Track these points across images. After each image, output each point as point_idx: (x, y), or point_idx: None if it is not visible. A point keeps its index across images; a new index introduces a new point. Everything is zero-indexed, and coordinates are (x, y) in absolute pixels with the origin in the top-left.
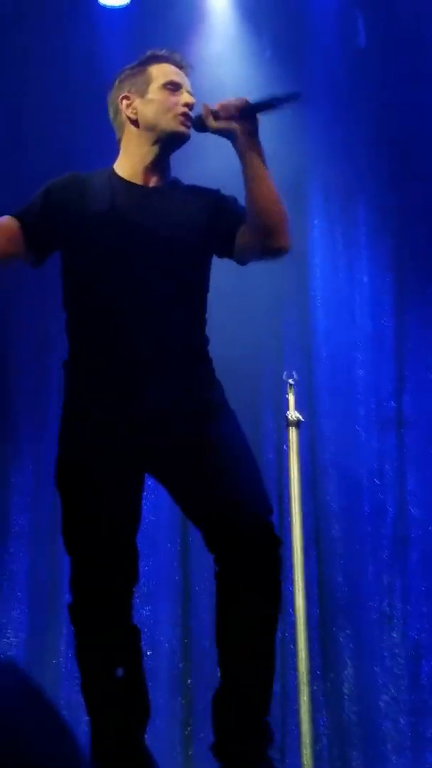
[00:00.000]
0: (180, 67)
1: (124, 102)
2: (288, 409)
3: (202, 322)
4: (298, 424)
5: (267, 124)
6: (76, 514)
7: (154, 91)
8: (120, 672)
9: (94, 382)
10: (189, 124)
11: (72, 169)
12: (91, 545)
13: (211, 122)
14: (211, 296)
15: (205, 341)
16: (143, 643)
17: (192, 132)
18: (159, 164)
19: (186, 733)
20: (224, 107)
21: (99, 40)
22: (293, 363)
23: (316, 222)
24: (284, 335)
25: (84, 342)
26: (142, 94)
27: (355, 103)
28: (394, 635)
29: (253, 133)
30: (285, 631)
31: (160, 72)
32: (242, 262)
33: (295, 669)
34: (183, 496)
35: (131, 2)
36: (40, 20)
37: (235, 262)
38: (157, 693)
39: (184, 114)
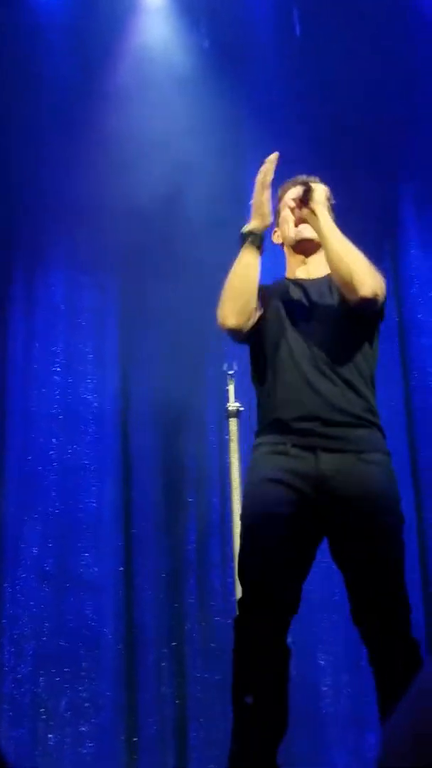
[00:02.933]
0: (295, 185)
1: (274, 235)
2: (228, 400)
3: (370, 389)
4: (238, 413)
5: (207, 112)
6: (258, 544)
7: (283, 217)
8: (267, 686)
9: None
10: (304, 228)
11: None
12: (265, 578)
13: (298, 212)
14: (157, 288)
15: (374, 408)
16: None
17: None
18: (303, 264)
19: (130, 722)
20: (294, 200)
21: (34, 34)
22: (234, 354)
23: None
24: None
25: (270, 369)
26: (279, 224)
27: (292, 88)
28: (337, 621)
29: (316, 207)
30: (226, 619)
31: (287, 199)
32: (366, 314)
33: None
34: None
35: None
36: None
37: None
38: (102, 684)
39: (297, 220)
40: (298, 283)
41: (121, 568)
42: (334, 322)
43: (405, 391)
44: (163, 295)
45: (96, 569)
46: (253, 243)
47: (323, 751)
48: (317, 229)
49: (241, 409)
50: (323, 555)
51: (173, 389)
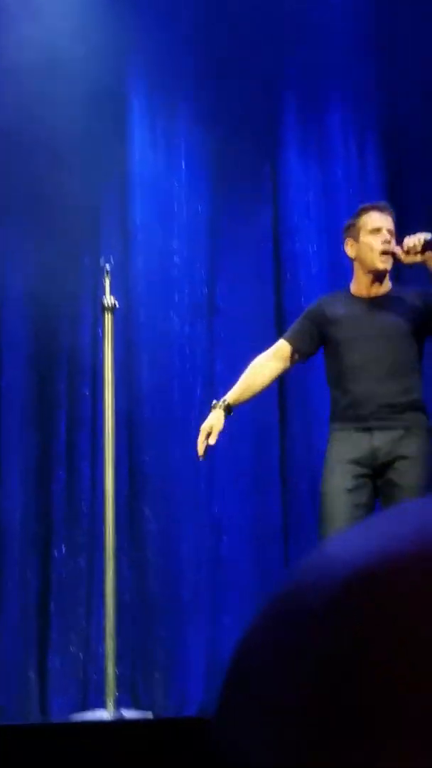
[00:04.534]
0: (381, 211)
1: (348, 244)
2: (104, 294)
3: (418, 384)
4: (113, 309)
5: (90, 20)
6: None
7: (364, 236)
8: None
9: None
10: (386, 259)
11: None
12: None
13: (405, 258)
14: (28, 175)
15: (421, 398)
16: None
17: None
18: (373, 284)
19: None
20: (412, 247)
21: None
22: (110, 248)
23: (135, 104)
24: (102, 220)
25: (341, 386)
26: (356, 239)
27: (177, 2)
28: (199, 513)
29: None
30: (94, 508)
31: (368, 220)
32: None
33: (103, 544)
34: None
35: None
36: None
37: None
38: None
39: (384, 252)
40: (367, 300)
41: None
42: (397, 334)
43: (276, 292)
44: (35, 182)
45: None
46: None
47: (180, 636)
48: None
49: (117, 304)
50: None
51: (46, 281)
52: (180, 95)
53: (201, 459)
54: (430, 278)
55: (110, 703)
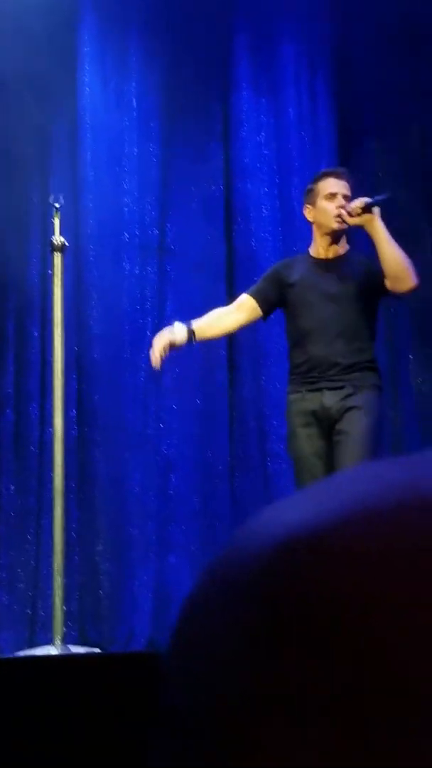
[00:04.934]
0: (338, 177)
1: (306, 209)
2: (53, 233)
3: (370, 345)
4: (63, 248)
5: None
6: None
7: (320, 201)
8: None
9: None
10: (340, 221)
11: None
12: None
13: (350, 220)
14: None
15: (372, 358)
16: None
17: None
18: (330, 246)
19: None
20: (353, 209)
21: None
22: (60, 187)
23: (86, 41)
24: (52, 158)
25: (298, 347)
26: (314, 204)
27: None
28: (148, 451)
29: (375, 218)
30: (42, 447)
31: (324, 185)
32: (395, 297)
33: (52, 484)
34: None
35: None
36: None
37: None
38: None
39: (338, 215)
40: (324, 262)
41: None
42: (351, 294)
43: (226, 232)
44: None
45: None
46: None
47: (128, 571)
48: (375, 232)
49: (66, 244)
50: None
51: None
52: (131, 33)
53: (154, 367)
54: (372, 241)
55: (58, 639)
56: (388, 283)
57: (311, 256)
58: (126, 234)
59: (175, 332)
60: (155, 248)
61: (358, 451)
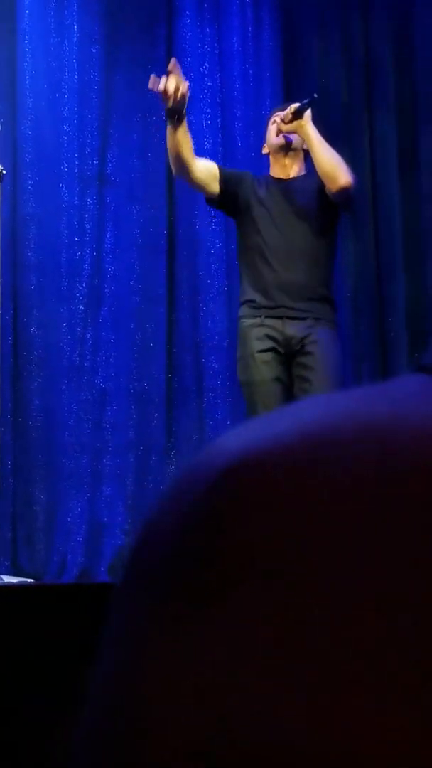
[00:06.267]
0: (282, 109)
1: (263, 149)
2: None
3: (328, 277)
4: (0, 177)
5: None
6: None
7: (269, 130)
8: None
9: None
10: (280, 136)
11: None
12: None
13: (283, 127)
14: None
15: (330, 292)
16: None
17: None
18: (283, 167)
19: None
20: (284, 116)
21: None
22: None
23: None
24: None
25: (253, 268)
26: (266, 137)
27: None
28: (83, 383)
29: (306, 123)
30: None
31: (274, 116)
32: (341, 201)
33: None
34: None
35: None
36: None
37: None
38: None
39: (277, 132)
40: (279, 180)
41: None
42: (307, 213)
43: (167, 165)
44: None
45: None
46: (170, 122)
47: (61, 501)
48: (306, 136)
49: (3, 172)
50: None
51: None
52: None
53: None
54: (303, 138)
55: None
56: (326, 187)
57: (270, 176)
58: (65, 163)
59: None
60: (95, 178)
61: (324, 389)
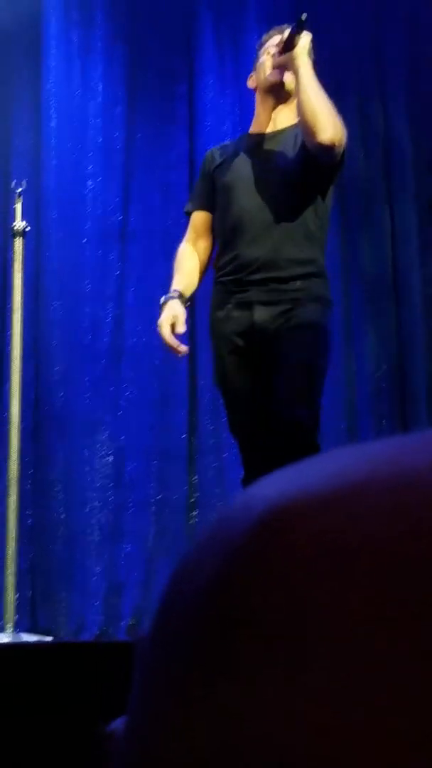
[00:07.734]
0: (282, 31)
1: (249, 80)
2: (15, 217)
3: (314, 249)
4: (24, 233)
5: None
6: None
7: (261, 57)
8: None
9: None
10: (277, 71)
11: None
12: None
13: (278, 60)
14: None
15: (318, 264)
16: None
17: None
18: (272, 115)
19: None
20: (278, 44)
21: None
22: (22, 171)
23: (53, 23)
24: (13, 142)
25: (223, 247)
26: (256, 69)
27: None
28: (104, 440)
29: (299, 54)
30: None
31: (268, 45)
32: (324, 162)
33: (7, 470)
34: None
35: None
36: None
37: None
38: None
39: (275, 65)
40: (260, 137)
41: None
42: (290, 173)
43: None
44: None
45: None
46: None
47: (81, 559)
48: (295, 71)
49: (27, 228)
50: None
51: None
52: (97, 13)
53: (183, 354)
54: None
55: (9, 627)
56: (306, 139)
57: (248, 134)
58: (89, 220)
59: (172, 310)
60: (117, 235)
61: (300, 380)
